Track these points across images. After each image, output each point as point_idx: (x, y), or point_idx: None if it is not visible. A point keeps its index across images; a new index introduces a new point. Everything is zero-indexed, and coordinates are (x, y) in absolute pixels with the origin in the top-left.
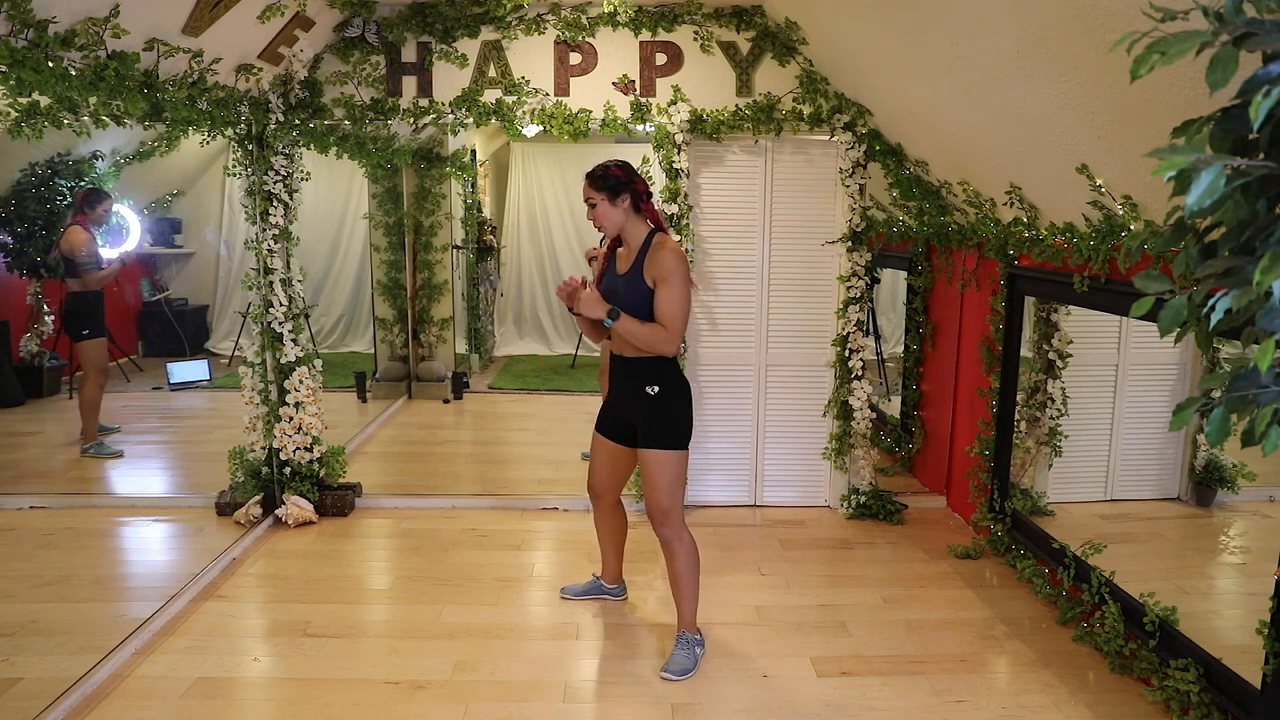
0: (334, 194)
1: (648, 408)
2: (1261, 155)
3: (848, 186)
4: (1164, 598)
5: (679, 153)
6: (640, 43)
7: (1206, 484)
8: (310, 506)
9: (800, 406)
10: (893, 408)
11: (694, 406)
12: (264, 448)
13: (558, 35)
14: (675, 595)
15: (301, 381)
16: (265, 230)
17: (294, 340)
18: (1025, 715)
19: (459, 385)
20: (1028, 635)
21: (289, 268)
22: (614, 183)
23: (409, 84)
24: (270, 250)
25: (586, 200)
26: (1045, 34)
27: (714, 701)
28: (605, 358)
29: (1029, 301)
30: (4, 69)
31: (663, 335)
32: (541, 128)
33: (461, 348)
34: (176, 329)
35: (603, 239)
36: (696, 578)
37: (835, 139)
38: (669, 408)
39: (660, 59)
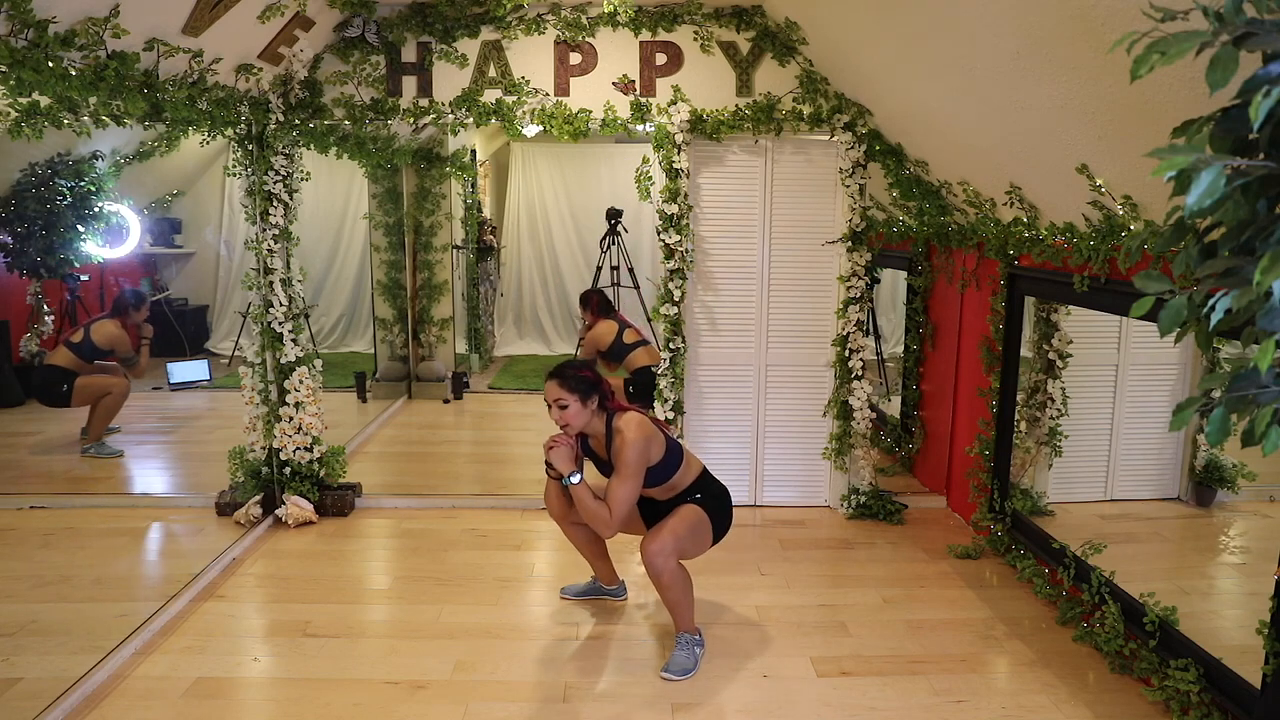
0: (334, 194)
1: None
2: (1261, 155)
3: (848, 186)
4: (1164, 598)
5: (679, 153)
6: (640, 43)
7: (1206, 484)
8: (310, 506)
9: (800, 406)
10: (893, 408)
11: (695, 406)
12: (264, 448)
13: (558, 35)
14: (672, 614)
15: (301, 381)
16: (265, 230)
17: (294, 340)
18: (1025, 715)
19: (459, 385)
20: (1028, 635)
21: (289, 268)
22: (587, 385)
23: (409, 84)
24: (270, 250)
25: (556, 401)
26: (1045, 34)
27: (714, 701)
28: (554, 503)
29: (1029, 301)
30: (4, 69)
31: (605, 518)
32: (541, 128)
33: (461, 348)
34: (176, 329)
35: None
36: (691, 594)
37: (835, 139)
38: (713, 503)
39: (660, 59)
